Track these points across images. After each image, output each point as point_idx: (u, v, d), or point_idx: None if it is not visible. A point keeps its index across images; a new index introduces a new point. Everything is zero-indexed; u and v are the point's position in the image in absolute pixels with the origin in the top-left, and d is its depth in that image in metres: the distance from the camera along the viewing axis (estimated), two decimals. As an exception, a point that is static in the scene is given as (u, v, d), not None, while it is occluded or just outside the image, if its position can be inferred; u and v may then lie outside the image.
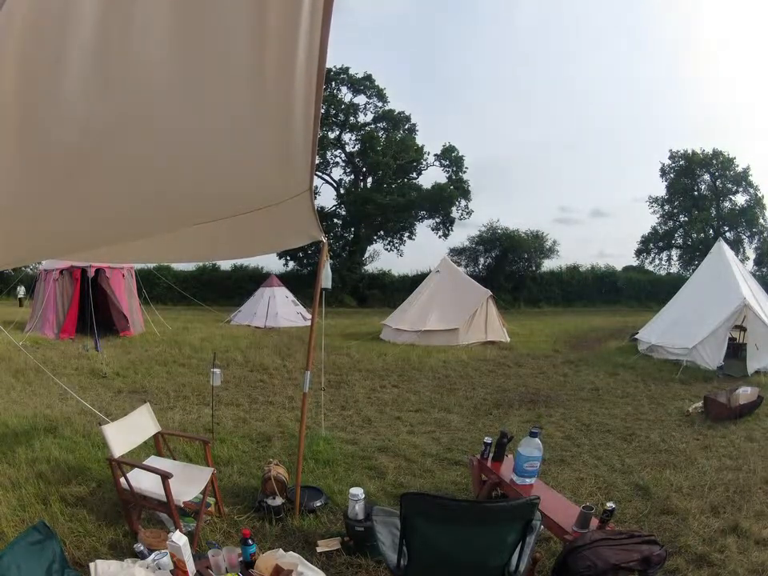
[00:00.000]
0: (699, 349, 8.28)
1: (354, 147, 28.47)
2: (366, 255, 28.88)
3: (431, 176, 35.00)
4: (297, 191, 2.28)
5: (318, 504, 3.42)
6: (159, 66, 1.08)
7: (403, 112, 28.37)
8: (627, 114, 46.46)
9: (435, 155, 28.52)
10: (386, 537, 2.31)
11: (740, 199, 28.45)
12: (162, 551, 2.24)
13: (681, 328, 8.91)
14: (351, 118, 28.06)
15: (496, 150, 46.11)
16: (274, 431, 5.09)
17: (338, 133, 28.02)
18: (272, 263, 30.30)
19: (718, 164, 28.41)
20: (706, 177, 29.14)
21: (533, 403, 6.48)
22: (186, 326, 13.43)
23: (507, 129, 47.99)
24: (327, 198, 29.40)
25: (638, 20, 43.53)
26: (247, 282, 22.32)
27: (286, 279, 20.05)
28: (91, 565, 2.21)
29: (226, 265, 25.76)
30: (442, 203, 27.38)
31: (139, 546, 2.46)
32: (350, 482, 3.78)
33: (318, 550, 2.94)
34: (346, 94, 27.95)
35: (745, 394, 5.77)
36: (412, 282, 21.59)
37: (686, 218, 29.63)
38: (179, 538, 2.16)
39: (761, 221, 27.71)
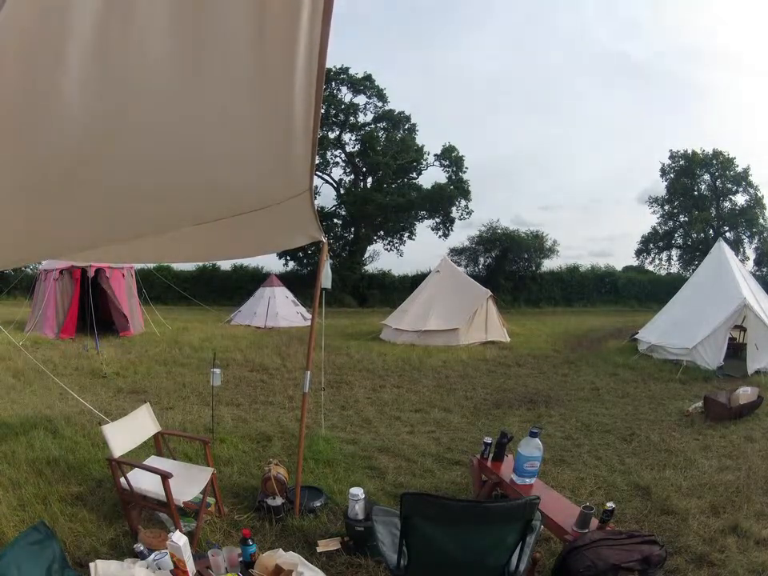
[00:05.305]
0: (699, 349, 8.28)
1: (354, 147, 28.39)
2: (366, 255, 28.80)
3: (431, 176, 34.91)
4: (297, 191, 2.28)
5: (318, 504, 3.42)
6: (159, 67, 1.08)
7: (403, 112, 28.30)
8: (628, 112, 46.36)
9: (435, 155, 28.41)
10: (386, 537, 2.31)
11: (740, 199, 28.38)
12: (162, 551, 2.24)
13: (681, 328, 8.90)
14: (351, 118, 27.98)
15: (497, 150, 46.07)
16: (274, 431, 5.09)
17: (337, 133, 27.95)
18: (272, 263, 30.24)
19: (718, 164, 28.34)
20: (706, 177, 29.07)
21: (533, 403, 6.48)
22: (186, 325, 13.40)
23: (507, 129, 47.95)
24: (327, 198, 29.34)
25: (640, 18, 43.49)
26: (248, 282, 22.27)
27: (286, 279, 19.99)
28: (91, 565, 2.21)
29: (226, 265, 25.76)
30: (442, 203, 27.31)
31: (139, 546, 2.46)
32: (350, 482, 3.78)
33: (318, 549, 2.94)
34: (345, 94, 27.88)
35: (745, 394, 5.77)
36: (412, 282, 21.55)
37: (686, 218, 29.59)
38: (179, 538, 2.17)
39: (761, 221, 27.60)
